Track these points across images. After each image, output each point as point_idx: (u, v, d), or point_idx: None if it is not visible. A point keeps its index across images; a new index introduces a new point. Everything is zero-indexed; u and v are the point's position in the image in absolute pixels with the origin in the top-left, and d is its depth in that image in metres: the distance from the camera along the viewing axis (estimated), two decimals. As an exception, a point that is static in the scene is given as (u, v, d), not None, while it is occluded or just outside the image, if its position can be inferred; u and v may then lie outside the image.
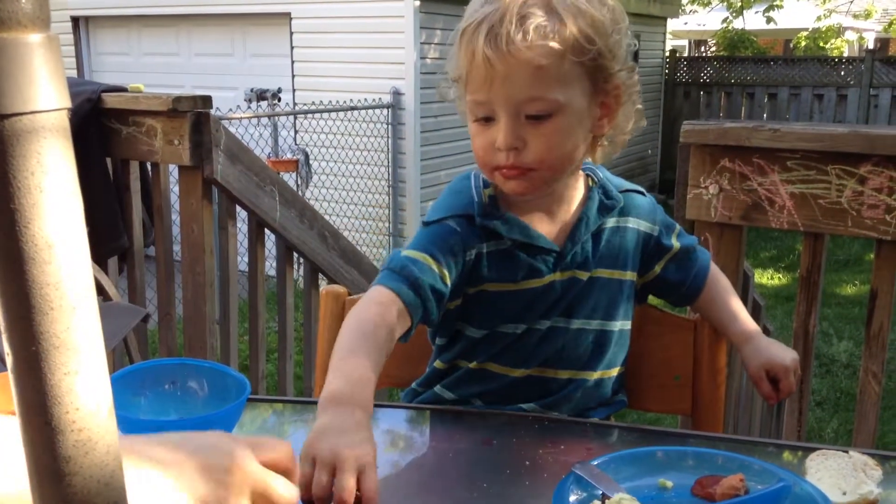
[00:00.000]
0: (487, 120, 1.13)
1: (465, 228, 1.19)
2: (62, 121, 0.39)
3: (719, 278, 1.37)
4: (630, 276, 1.28)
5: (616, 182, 1.29)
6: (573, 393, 1.27)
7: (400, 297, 1.11)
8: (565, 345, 1.25)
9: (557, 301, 1.23)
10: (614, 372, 1.31)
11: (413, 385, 1.35)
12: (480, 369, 1.26)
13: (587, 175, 1.27)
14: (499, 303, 1.22)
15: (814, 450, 1.03)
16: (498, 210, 1.21)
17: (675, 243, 1.32)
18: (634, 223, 1.28)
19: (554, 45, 1.07)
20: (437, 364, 1.31)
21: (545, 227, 1.22)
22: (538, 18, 1.07)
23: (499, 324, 1.23)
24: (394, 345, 1.09)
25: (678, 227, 1.35)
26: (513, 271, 1.21)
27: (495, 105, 1.11)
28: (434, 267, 1.15)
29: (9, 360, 0.38)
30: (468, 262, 1.19)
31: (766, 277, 6.92)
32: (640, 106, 1.21)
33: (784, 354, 1.26)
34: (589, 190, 1.25)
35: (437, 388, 1.30)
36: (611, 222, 1.26)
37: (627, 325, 1.31)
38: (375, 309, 1.09)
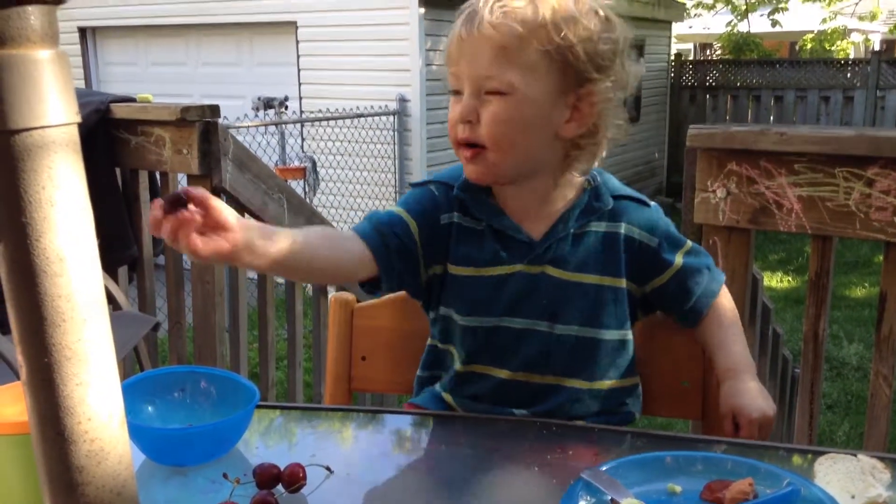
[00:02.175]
0: (458, 94, 1.18)
1: (442, 193, 1.25)
2: (72, 135, 0.40)
3: (725, 307, 1.32)
4: (623, 283, 1.25)
5: (613, 187, 1.27)
6: (564, 401, 1.25)
7: (361, 237, 1.18)
8: (550, 350, 1.23)
9: (529, 295, 1.22)
10: (611, 384, 1.27)
11: (418, 373, 1.36)
12: (467, 372, 1.27)
13: (587, 179, 1.26)
14: (465, 287, 1.23)
15: (823, 454, 1.03)
16: (479, 191, 1.24)
17: (678, 260, 1.27)
18: (626, 230, 1.25)
19: (516, 27, 1.11)
20: (429, 341, 1.33)
21: (527, 222, 1.23)
22: (514, 3, 1.12)
23: (470, 310, 1.24)
24: (343, 264, 1.18)
25: (689, 244, 1.30)
26: (478, 253, 1.23)
27: (462, 79, 1.17)
28: (406, 220, 1.22)
29: (22, 371, 0.39)
30: (443, 227, 1.24)
31: (776, 280, 6.90)
32: (620, 122, 1.21)
33: (753, 405, 1.20)
34: (582, 192, 1.25)
35: (437, 387, 1.32)
36: (600, 226, 1.24)
37: (624, 335, 1.27)
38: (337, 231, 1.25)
